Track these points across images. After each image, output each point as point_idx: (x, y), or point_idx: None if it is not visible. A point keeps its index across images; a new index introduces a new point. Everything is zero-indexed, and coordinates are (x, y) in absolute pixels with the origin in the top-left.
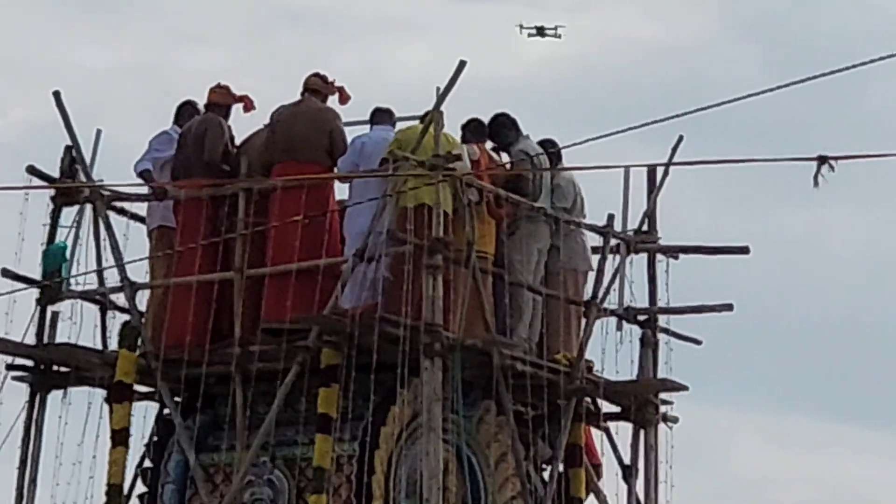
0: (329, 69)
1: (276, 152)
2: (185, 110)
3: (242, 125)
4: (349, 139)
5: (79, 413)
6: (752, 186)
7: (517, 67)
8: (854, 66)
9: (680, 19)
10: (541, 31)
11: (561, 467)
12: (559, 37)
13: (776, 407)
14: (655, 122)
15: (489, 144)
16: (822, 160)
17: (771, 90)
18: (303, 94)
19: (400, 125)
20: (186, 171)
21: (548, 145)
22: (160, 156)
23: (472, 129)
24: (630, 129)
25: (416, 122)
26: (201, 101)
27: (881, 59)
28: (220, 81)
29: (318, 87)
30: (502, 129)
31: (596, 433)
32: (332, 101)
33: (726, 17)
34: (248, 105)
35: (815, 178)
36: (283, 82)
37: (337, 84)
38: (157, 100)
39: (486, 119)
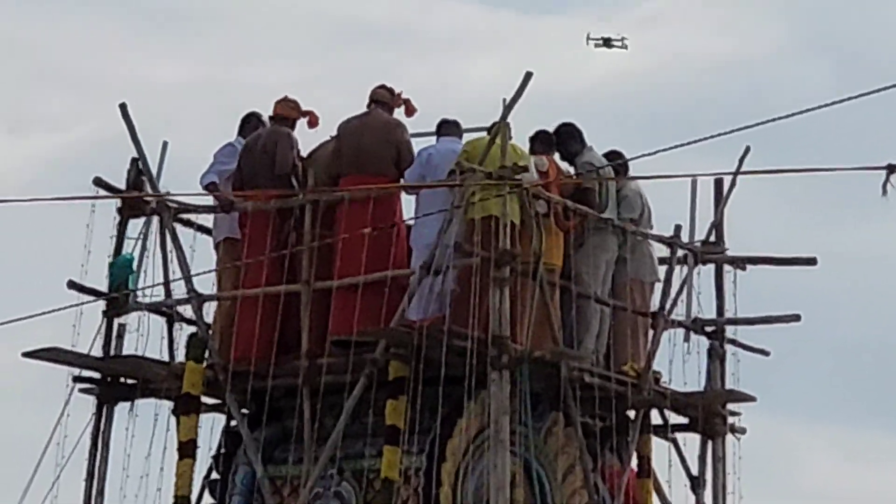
0: (398, 83)
1: (343, 165)
2: (250, 122)
3: (307, 139)
4: (416, 151)
5: (146, 425)
6: (820, 197)
7: (585, 80)
8: None
9: (748, 33)
10: (607, 43)
11: None
12: (625, 47)
13: (847, 419)
14: (724, 133)
15: (556, 155)
16: (892, 169)
17: (841, 101)
18: (369, 105)
19: (467, 137)
20: (253, 182)
21: (614, 157)
22: (225, 168)
23: (541, 141)
24: (699, 140)
25: (484, 134)
26: (266, 114)
27: None
28: (288, 95)
29: (384, 98)
30: (567, 139)
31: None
32: (398, 114)
33: (795, 31)
34: (314, 121)
35: (884, 186)
36: (352, 97)
37: (403, 96)
38: (224, 114)
39: (551, 130)
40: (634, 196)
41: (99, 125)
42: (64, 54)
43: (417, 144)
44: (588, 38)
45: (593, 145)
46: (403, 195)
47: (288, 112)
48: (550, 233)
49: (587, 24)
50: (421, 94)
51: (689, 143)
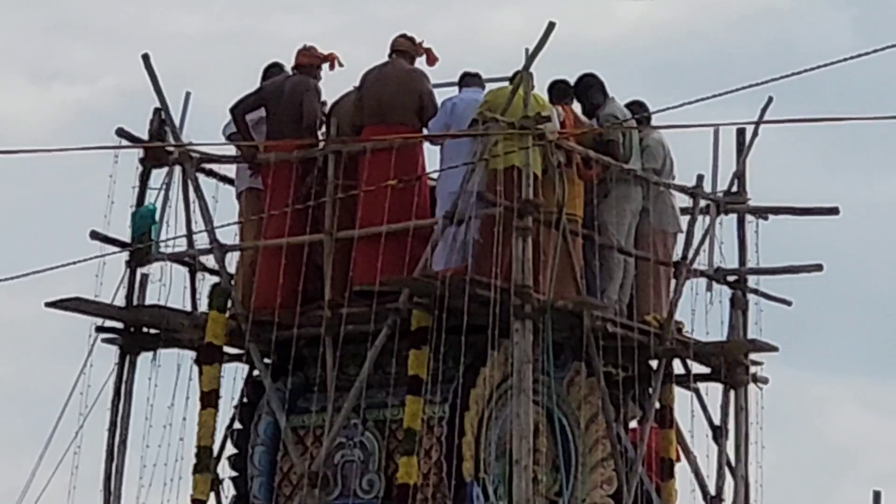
0: (423, 34)
1: (365, 114)
2: (272, 72)
3: (332, 88)
4: (439, 101)
5: (168, 375)
6: (843, 147)
7: (610, 30)
8: None
9: None
10: None
11: None
12: None
13: (871, 370)
14: (748, 86)
15: (577, 107)
16: None
17: (864, 55)
18: (390, 55)
19: (489, 87)
20: (279, 132)
21: (636, 107)
22: (248, 118)
23: (557, 91)
24: (723, 93)
25: (507, 84)
26: (288, 65)
27: None
28: (306, 43)
29: (405, 48)
30: (589, 90)
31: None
32: (420, 63)
33: None
34: (334, 63)
35: None
36: (376, 48)
37: (425, 45)
38: (247, 65)
39: (572, 80)
40: (657, 146)
41: (123, 76)
42: (88, 5)
43: (439, 95)
44: None
45: (615, 96)
46: (427, 144)
47: (310, 60)
48: (572, 183)
49: None
50: (446, 45)
51: (711, 97)
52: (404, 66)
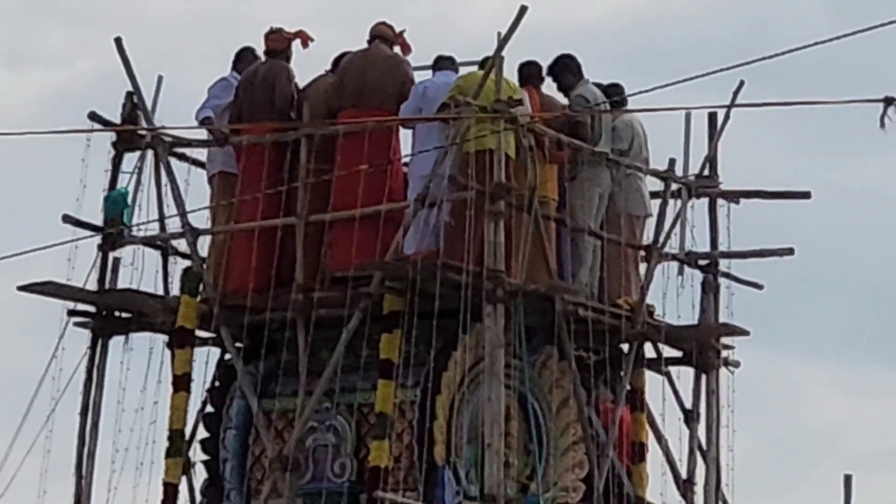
0: (400, 18)
1: (345, 98)
2: (245, 56)
3: (304, 71)
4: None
5: (140, 359)
6: (816, 131)
7: (584, 14)
8: None
9: None
10: None
11: None
12: None
13: (844, 354)
14: (720, 70)
15: (553, 86)
16: (889, 101)
17: (837, 38)
18: (370, 41)
19: (464, 71)
20: (252, 116)
21: (615, 89)
22: (220, 102)
23: (526, 73)
24: (696, 77)
25: (478, 69)
26: (259, 49)
27: None
28: (273, 25)
29: (386, 34)
30: (564, 71)
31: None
32: (396, 51)
33: None
34: (305, 40)
35: (882, 119)
36: (351, 33)
37: (403, 35)
38: (220, 48)
39: (544, 63)
40: (625, 128)
41: (98, 60)
42: None
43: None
44: None
45: (589, 78)
46: (402, 129)
47: (279, 43)
48: (544, 165)
49: None
50: (420, 28)
51: (683, 81)
52: (388, 52)
